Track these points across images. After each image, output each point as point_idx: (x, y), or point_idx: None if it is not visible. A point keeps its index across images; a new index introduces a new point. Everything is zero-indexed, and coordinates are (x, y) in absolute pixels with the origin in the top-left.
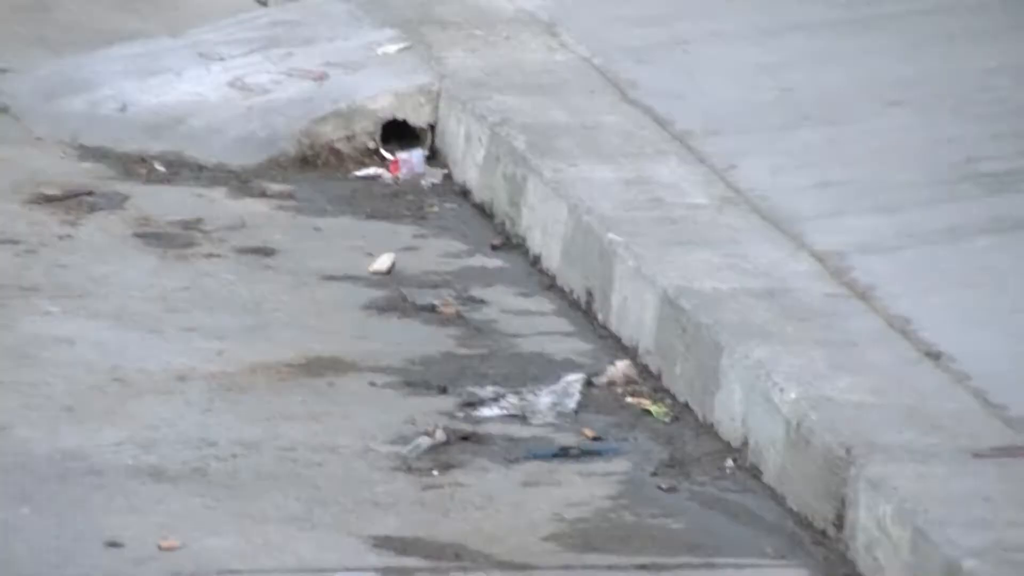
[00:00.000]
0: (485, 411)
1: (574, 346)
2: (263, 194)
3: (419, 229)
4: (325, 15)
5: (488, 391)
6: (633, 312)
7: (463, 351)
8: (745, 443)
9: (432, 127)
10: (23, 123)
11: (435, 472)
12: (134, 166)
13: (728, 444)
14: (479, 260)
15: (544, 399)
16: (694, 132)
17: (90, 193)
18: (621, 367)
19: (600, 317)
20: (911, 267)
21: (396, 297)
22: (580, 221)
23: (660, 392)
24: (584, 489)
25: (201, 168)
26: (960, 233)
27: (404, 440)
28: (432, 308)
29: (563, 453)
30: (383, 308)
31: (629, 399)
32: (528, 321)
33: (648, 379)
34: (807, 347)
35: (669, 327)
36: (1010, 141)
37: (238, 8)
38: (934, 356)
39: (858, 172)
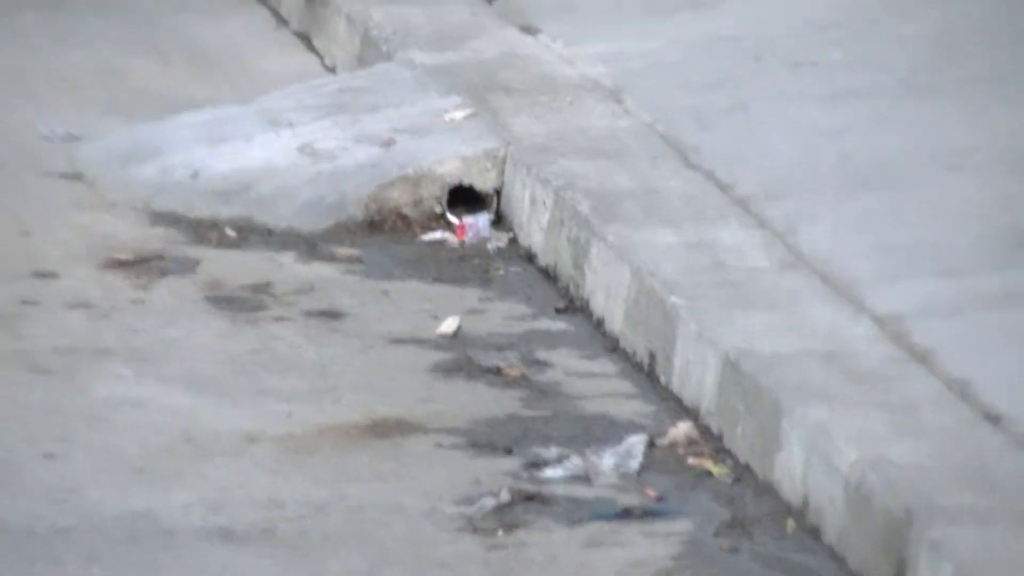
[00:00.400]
0: (549, 472)
1: (637, 408)
2: (331, 258)
3: (485, 292)
4: (392, 82)
5: (552, 452)
6: (695, 374)
7: (528, 412)
8: (805, 504)
9: (498, 192)
10: (97, 189)
11: (500, 532)
12: (205, 231)
13: (788, 505)
14: (543, 323)
15: (607, 460)
16: (755, 196)
17: (162, 258)
18: (683, 428)
19: (662, 379)
20: (970, 330)
21: (462, 359)
22: (643, 284)
23: (721, 453)
24: (647, 549)
25: (271, 232)
26: (1019, 297)
27: (469, 500)
28: (497, 370)
29: (626, 514)
30: (449, 370)
31: (691, 460)
32: (592, 383)
33: (710, 440)
34: (867, 409)
35: (730, 389)
36: None
37: (306, 74)
38: (993, 419)
39: (917, 236)
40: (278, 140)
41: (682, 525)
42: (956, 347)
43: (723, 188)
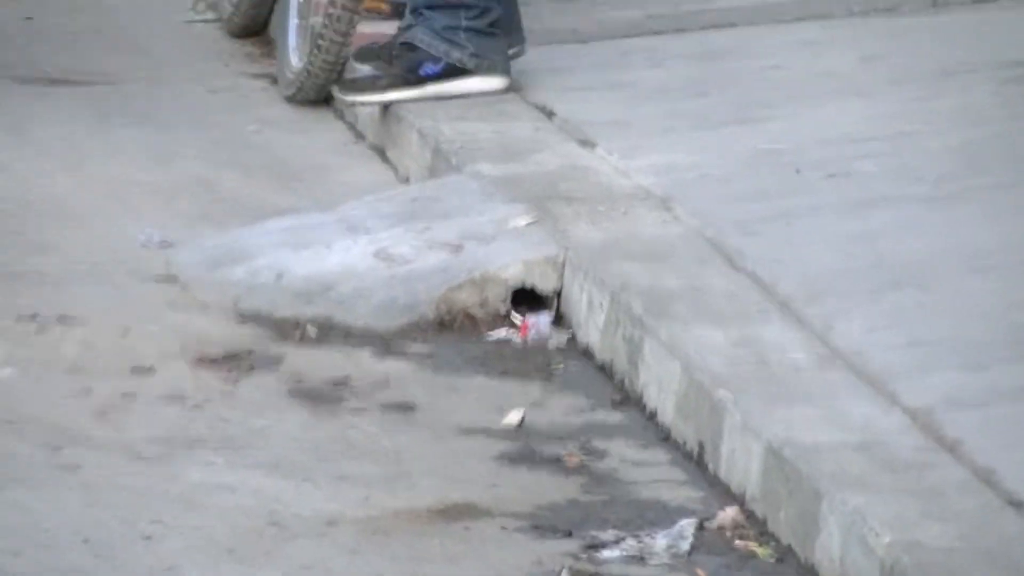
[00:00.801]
0: (606, 553)
1: (687, 493)
2: (405, 355)
3: (546, 386)
4: (461, 192)
5: (609, 534)
6: (741, 462)
7: (586, 498)
8: None
9: (558, 293)
10: (190, 290)
11: None
12: (288, 329)
13: None
14: (601, 415)
15: (660, 542)
16: (795, 296)
17: (250, 354)
18: (730, 513)
19: (711, 467)
20: (996, 422)
21: (526, 449)
22: (692, 379)
23: (766, 536)
24: None
25: (349, 331)
26: None
27: None
28: (558, 459)
29: None
30: (514, 459)
31: (737, 542)
32: (646, 471)
33: (755, 524)
34: (900, 495)
35: (773, 476)
36: None
37: (381, 185)
38: (1016, 504)
39: (946, 332)
40: (356, 245)
41: None
42: (982, 437)
43: (765, 289)
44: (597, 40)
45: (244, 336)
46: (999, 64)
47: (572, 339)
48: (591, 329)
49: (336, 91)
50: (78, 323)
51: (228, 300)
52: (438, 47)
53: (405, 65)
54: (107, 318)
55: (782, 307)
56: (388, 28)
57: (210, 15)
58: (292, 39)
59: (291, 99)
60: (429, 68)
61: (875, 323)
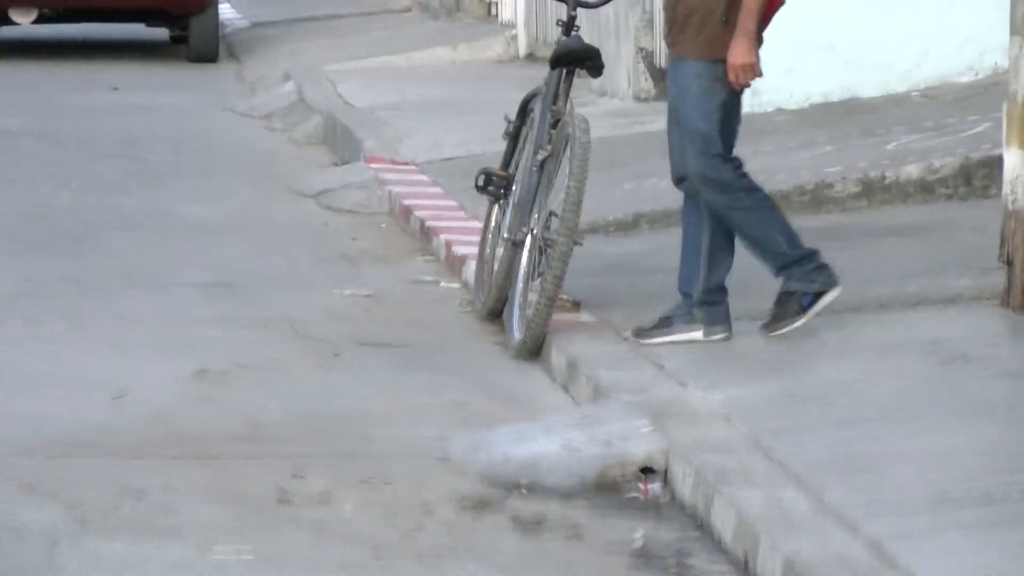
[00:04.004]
0: None
1: None
2: (577, 502)
3: (657, 523)
4: (610, 411)
5: None
6: (769, 565)
7: None
8: None
9: (665, 469)
10: (457, 465)
11: None
12: (512, 487)
13: None
14: (689, 538)
15: None
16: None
17: (490, 501)
18: None
19: (754, 569)
20: None
21: (643, 556)
22: (741, 520)
23: None
24: None
25: (546, 488)
26: None
27: None
28: (663, 566)
29: None
30: (638, 563)
31: None
32: (715, 567)
33: None
34: None
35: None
36: None
37: (565, 406)
38: None
39: None
40: (550, 442)
41: None
42: None
43: (779, 464)
44: None
45: (485, 491)
46: None
47: (673, 496)
48: (685, 489)
49: (774, 328)
50: (387, 481)
51: (477, 470)
52: (809, 285)
53: (795, 305)
54: (408, 479)
55: (797, 479)
56: (574, 318)
57: (468, 308)
58: (516, 314)
59: (515, 356)
60: (806, 300)
61: None
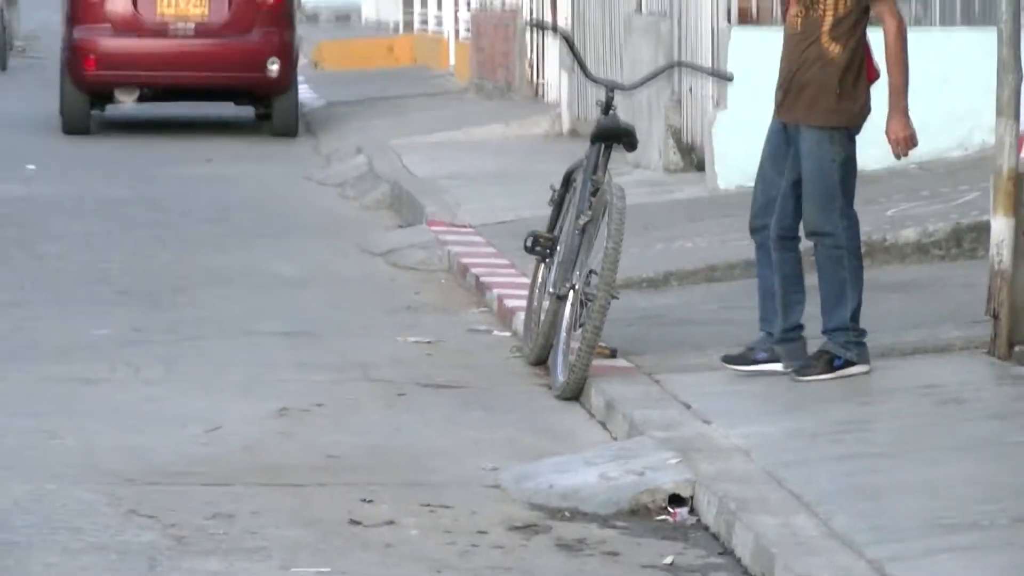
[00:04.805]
0: None
1: None
2: (614, 527)
3: (685, 544)
4: (643, 445)
5: None
6: None
7: None
8: None
9: (692, 496)
10: (507, 492)
11: None
12: (555, 512)
13: None
14: (713, 559)
15: None
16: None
17: (535, 525)
18: None
19: None
20: None
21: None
22: (759, 544)
23: None
24: None
25: (585, 515)
26: None
27: None
28: None
29: None
30: None
31: None
32: None
33: None
34: None
35: None
36: None
37: (599, 442)
38: None
39: None
40: (589, 472)
41: None
42: None
43: (793, 495)
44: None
45: (533, 516)
46: None
47: (698, 521)
48: (709, 516)
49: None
50: (446, 507)
51: (525, 498)
52: (845, 352)
53: (827, 363)
54: (464, 505)
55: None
56: (611, 363)
57: (518, 354)
58: (560, 360)
59: (559, 397)
60: (838, 362)
61: None
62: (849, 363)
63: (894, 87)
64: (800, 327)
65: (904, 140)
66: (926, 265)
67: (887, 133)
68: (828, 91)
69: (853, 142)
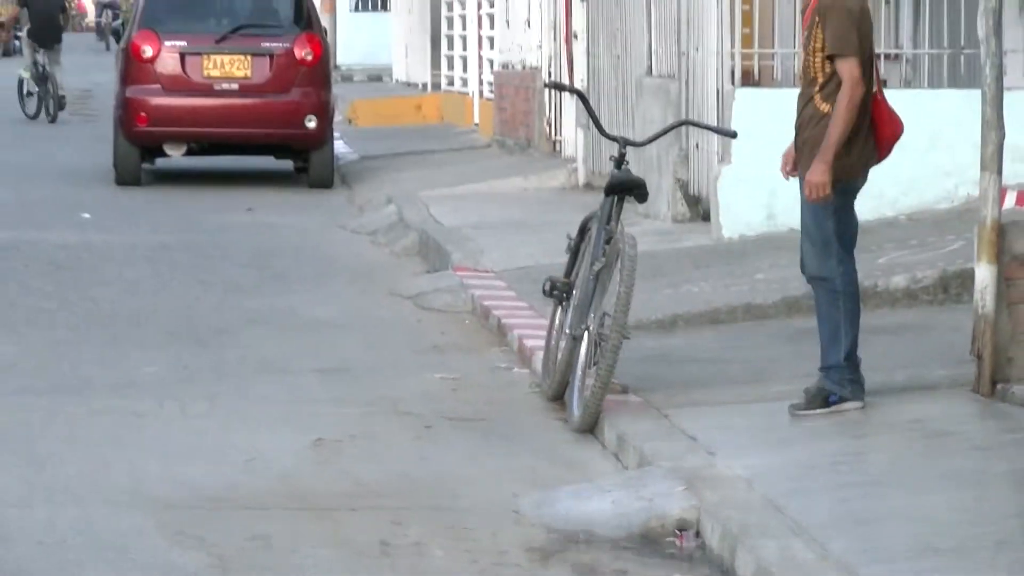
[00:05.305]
0: None
1: None
2: (625, 550)
3: (691, 566)
4: (652, 475)
5: None
6: None
7: None
8: None
9: (697, 520)
10: (528, 519)
11: None
12: (573, 535)
13: None
14: None
15: None
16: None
17: (553, 549)
18: None
19: None
20: None
21: None
22: (759, 566)
23: None
24: None
25: (600, 538)
26: None
27: None
28: None
29: None
30: None
31: None
32: None
33: None
34: None
35: None
36: None
37: (613, 470)
38: None
39: None
40: (603, 500)
41: None
42: None
43: (787, 520)
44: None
45: (550, 539)
46: None
47: (703, 546)
48: (714, 540)
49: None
50: (470, 531)
51: (543, 522)
52: (840, 390)
53: (823, 399)
54: (487, 529)
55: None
56: (623, 399)
57: (536, 390)
58: (576, 396)
59: (575, 430)
60: (833, 398)
61: None
62: (843, 399)
63: (828, 139)
64: (853, 362)
65: (815, 186)
66: (915, 309)
67: (807, 176)
68: (820, 146)
69: (848, 194)
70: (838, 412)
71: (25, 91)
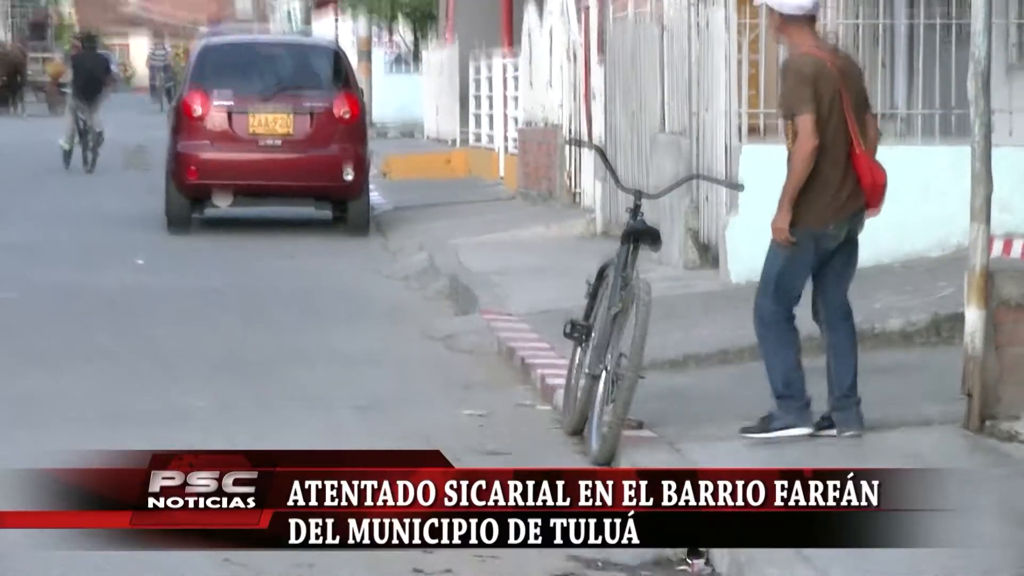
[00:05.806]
0: None
1: None
2: (640, 569)
3: None
4: None
5: None
6: None
7: None
8: None
9: (707, 550)
10: None
11: None
12: (591, 561)
13: None
14: None
15: None
16: None
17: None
18: None
19: None
20: None
21: None
22: None
23: None
24: None
25: (617, 565)
26: None
27: None
28: None
29: None
30: None
31: None
32: None
33: None
34: None
35: None
36: None
37: None
38: None
39: None
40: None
41: None
42: None
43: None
44: None
45: (570, 565)
46: None
47: (713, 571)
48: (723, 567)
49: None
50: (496, 557)
51: (566, 549)
52: (784, 419)
53: (767, 425)
54: (511, 555)
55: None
56: (638, 434)
57: (558, 425)
58: (594, 431)
59: (594, 463)
60: (776, 424)
61: None
62: (787, 426)
63: (784, 188)
64: (849, 394)
65: (775, 230)
66: (910, 351)
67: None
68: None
69: (820, 241)
70: (782, 438)
71: (63, 156)
